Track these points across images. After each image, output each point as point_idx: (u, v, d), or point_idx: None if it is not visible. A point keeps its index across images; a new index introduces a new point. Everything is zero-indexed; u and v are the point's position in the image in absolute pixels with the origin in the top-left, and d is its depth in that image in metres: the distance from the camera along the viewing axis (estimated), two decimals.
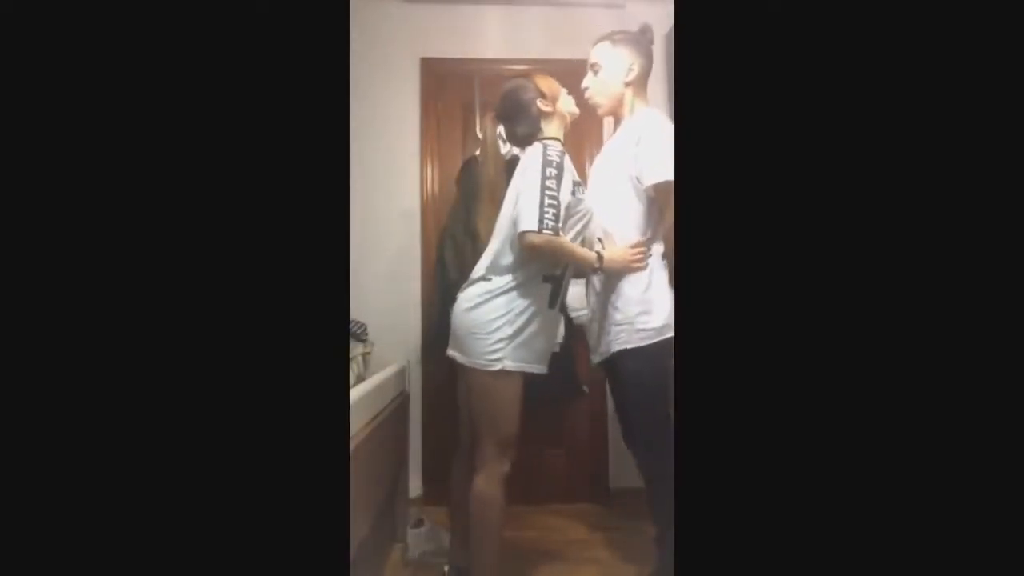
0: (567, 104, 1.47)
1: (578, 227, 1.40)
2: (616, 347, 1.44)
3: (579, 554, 1.83)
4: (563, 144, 1.42)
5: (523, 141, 1.45)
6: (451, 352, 1.43)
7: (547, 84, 1.45)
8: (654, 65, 1.57)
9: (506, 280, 1.36)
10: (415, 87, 2.33)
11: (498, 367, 1.33)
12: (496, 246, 1.40)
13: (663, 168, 1.36)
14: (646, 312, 1.41)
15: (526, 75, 1.49)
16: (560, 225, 1.30)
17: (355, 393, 1.29)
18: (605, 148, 1.60)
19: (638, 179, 1.42)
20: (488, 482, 1.36)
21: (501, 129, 1.53)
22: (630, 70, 1.50)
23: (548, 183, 1.29)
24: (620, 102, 1.52)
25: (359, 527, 1.20)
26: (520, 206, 1.31)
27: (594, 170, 1.60)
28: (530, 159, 1.36)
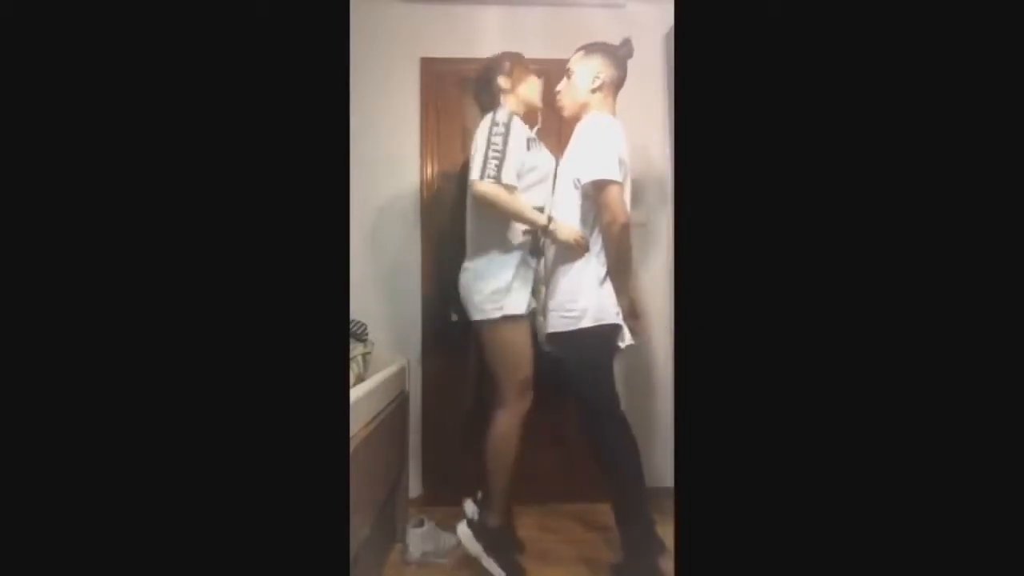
0: (528, 91, 1.59)
1: (537, 185, 1.56)
2: (548, 330, 1.61)
3: (579, 553, 1.83)
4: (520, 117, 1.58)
5: (485, 110, 1.60)
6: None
7: (519, 68, 1.61)
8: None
9: (490, 239, 1.55)
10: (415, 87, 2.33)
11: (499, 315, 1.51)
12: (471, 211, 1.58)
13: (597, 167, 1.49)
14: (573, 300, 1.55)
15: (513, 57, 1.64)
16: (502, 176, 1.44)
17: (355, 393, 1.28)
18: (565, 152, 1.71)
19: (578, 179, 1.56)
20: (509, 418, 1.54)
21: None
22: (595, 79, 1.60)
23: (493, 140, 1.45)
24: (583, 108, 1.63)
25: (359, 527, 1.19)
26: (471, 163, 1.45)
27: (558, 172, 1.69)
28: (482, 124, 1.53)
